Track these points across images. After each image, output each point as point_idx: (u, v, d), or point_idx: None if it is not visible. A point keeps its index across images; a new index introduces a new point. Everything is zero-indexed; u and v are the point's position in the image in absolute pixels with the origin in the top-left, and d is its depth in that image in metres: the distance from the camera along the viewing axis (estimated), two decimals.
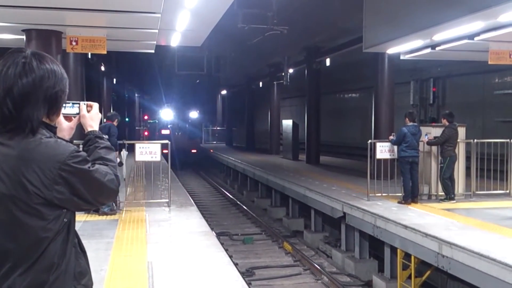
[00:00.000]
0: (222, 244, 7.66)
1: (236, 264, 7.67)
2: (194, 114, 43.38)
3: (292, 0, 15.44)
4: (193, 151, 32.41)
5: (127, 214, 9.10)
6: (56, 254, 1.77)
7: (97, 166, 1.84)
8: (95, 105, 2.12)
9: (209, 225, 8.53)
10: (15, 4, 6.88)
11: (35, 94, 1.78)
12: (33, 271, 1.72)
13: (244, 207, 16.47)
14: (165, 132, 33.97)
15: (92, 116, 2.08)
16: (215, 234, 7.71)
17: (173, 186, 10.60)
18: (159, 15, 7.33)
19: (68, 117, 2.07)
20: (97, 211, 8.73)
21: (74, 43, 8.27)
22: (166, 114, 43.19)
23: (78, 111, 2.07)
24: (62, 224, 1.78)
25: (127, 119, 36.58)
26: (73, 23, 7.95)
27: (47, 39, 8.22)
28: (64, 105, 2.00)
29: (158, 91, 39.73)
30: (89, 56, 16.38)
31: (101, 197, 1.90)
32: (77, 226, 1.91)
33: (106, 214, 8.81)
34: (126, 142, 10.20)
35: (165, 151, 17.79)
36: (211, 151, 30.19)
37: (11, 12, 7.25)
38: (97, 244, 6.74)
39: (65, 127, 2.05)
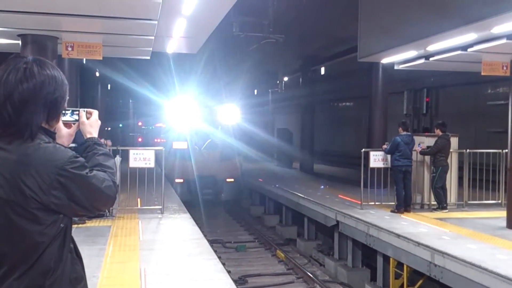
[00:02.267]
0: (215, 251, 7.64)
1: (228, 272, 7.65)
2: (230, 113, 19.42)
3: (289, 9, 15.55)
4: (229, 180, 17.22)
5: (120, 220, 9.06)
6: (53, 259, 1.77)
7: (95, 172, 1.85)
8: (95, 112, 2.14)
9: (202, 232, 8.51)
10: (11, 9, 6.88)
11: (35, 100, 1.80)
12: (30, 275, 1.73)
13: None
14: (179, 145, 17.03)
15: (91, 123, 2.09)
16: (208, 241, 7.69)
17: (166, 193, 10.57)
18: (156, 22, 7.35)
19: (67, 124, 2.08)
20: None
21: (69, 49, 8.27)
22: (180, 110, 19.77)
23: (77, 118, 2.09)
24: (59, 229, 1.79)
25: (121, 125, 36.48)
26: (69, 28, 7.95)
27: (42, 44, 8.21)
28: (63, 112, 2.01)
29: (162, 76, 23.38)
30: (84, 62, 16.37)
31: (99, 203, 1.90)
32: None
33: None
34: (120, 148, 10.18)
35: (178, 180, 16.12)
36: None
37: (6, 17, 7.24)
38: (89, 251, 6.71)
39: (64, 133, 2.06)
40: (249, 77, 25.39)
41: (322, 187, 14.56)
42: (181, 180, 16.14)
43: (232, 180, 17.26)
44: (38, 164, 1.74)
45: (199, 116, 17.40)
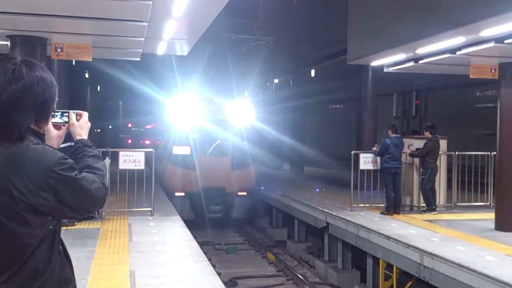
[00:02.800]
0: (205, 253, 7.63)
1: (219, 274, 7.64)
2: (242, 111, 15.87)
3: (279, 11, 15.59)
4: (240, 193, 14.15)
5: (109, 222, 9.01)
6: (41, 261, 1.76)
7: (84, 174, 1.84)
8: (85, 114, 2.13)
9: (192, 234, 8.49)
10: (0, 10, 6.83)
11: (24, 101, 1.79)
12: (18, 278, 1.72)
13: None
14: (180, 150, 13.91)
15: (81, 125, 2.09)
16: (198, 243, 7.68)
17: (156, 195, 10.54)
18: (146, 24, 7.32)
19: (57, 126, 2.08)
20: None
21: (59, 50, 8.21)
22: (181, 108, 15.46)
23: (67, 120, 2.08)
24: (48, 231, 1.78)
25: (110, 127, 36.28)
26: (58, 29, 7.90)
27: (32, 45, 8.15)
28: (53, 113, 2.01)
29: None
30: (73, 63, 16.29)
31: (88, 205, 1.90)
32: None
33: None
34: (110, 150, 10.13)
35: (179, 194, 13.29)
36: None
37: None
38: (78, 253, 6.67)
39: (53, 135, 2.06)
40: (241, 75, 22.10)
41: (318, 190, 14.16)
42: (182, 194, 13.34)
43: (245, 193, 13.85)
44: (27, 166, 1.73)
45: (204, 115, 14.26)
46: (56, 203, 1.76)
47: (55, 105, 1.93)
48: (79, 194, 1.81)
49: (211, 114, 14.44)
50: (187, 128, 13.96)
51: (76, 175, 1.80)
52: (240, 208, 13.89)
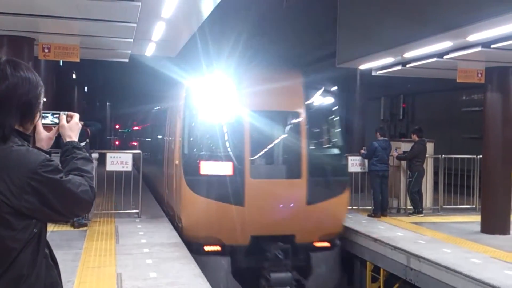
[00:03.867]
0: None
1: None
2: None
3: (270, 12, 15.61)
4: (321, 244, 8.21)
5: (96, 224, 8.94)
6: (26, 265, 1.73)
7: (70, 176, 1.81)
8: (76, 116, 2.10)
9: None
10: None
11: (8, 101, 1.76)
12: (2, 282, 1.69)
13: None
14: (214, 170, 7.75)
15: (71, 127, 2.06)
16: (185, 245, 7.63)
17: (143, 197, 10.48)
18: (135, 25, 7.29)
19: (48, 127, 2.05)
20: (72, 224, 8.55)
21: (46, 50, 8.14)
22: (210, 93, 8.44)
23: (57, 121, 2.06)
24: (32, 235, 1.75)
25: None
26: (46, 30, 7.84)
27: (18, 45, 8.07)
28: (44, 115, 1.99)
29: None
30: (61, 64, 16.16)
31: (75, 209, 1.87)
32: None
33: (82, 225, 8.62)
34: (97, 151, 10.05)
35: (211, 248, 7.61)
36: None
37: None
38: (64, 255, 6.60)
39: (43, 137, 2.03)
40: None
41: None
42: (218, 248, 7.79)
43: (328, 245, 8.26)
44: (10, 168, 1.70)
45: (251, 101, 8.06)
46: (39, 206, 1.72)
47: (40, 106, 1.91)
48: (64, 197, 1.77)
49: (268, 99, 8.22)
50: (224, 125, 8.14)
51: (61, 177, 1.77)
52: (320, 273, 8.09)
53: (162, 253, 7.07)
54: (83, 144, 8.05)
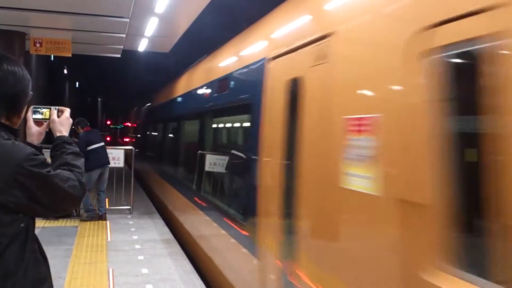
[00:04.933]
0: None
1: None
2: None
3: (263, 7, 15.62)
4: None
5: (87, 220, 8.90)
6: (13, 261, 1.70)
7: (58, 171, 1.78)
8: (66, 110, 2.08)
9: (172, 232, 8.44)
10: None
11: None
12: None
13: None
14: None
15: (61, 121, 2.04)
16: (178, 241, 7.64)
17: (135, 193, 10.45)
18: (128, 20, 7.27)
19: (39, 122, 2.03)
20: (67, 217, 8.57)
21: (38, 45, 8.10)
22: None
23: (48, 116, 2.05)
24: (19, 230, 1.72)
25: (88, 124, 35.85)
26: (37, 24, 7.79)
27: (10, 39, 8.02)
28: (34, 109, 1.97)
29: None
30: (52, 59, 16.08)
31: (63, 204, 1.83)
32: (35, 232, 1.86)
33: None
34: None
35: None
36: None
37: None
38: (56, 251, 6.57)
39: (34, 132, 2.01)
40: None
41: None
42: None
43: None
44: None
45: None
46: (26, 201, 1.69)
47: (27, 100, 1.88)
48: (51, 192, 1.74)
49: None
50: None
51: (48, 172, 1.74)
52: None
53: (154, 249, 7.06)
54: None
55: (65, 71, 21.68)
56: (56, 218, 8.52)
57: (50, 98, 16.31)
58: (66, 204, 1.85)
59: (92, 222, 8.76)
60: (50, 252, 6.95)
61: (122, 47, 9.81)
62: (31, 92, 1.89)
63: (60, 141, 1.97)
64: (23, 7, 6.88)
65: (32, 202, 1.71)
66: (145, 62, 25.48)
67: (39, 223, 8.07)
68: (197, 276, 5.91)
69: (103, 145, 8.90)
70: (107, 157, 8.91)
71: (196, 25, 8.61)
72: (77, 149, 2.00)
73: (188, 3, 7.18)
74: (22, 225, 1.72)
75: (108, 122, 52.44)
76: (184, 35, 9.51)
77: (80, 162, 1.93)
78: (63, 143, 1.97)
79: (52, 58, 16.91)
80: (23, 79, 1.83)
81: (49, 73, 16.45)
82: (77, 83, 28.91)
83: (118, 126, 43.20)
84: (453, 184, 1.96)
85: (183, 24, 8.44)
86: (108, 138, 40.11)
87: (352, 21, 2.81)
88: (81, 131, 8.77)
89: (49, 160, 1.88)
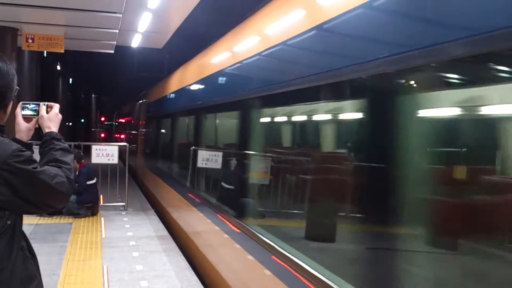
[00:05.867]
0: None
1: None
2: None
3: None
4: None
5: (81, 217, 8.87)
6: (0, 258, 1.69)
7: (45, 167, 1.76)
8: (56, 106, 2.05)
9: (167, 229, 8.42)
10: None
11: None
12: None
13: None
14: None
15: (50, 117, 2.01)
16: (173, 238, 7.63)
17: (130, 189, 10.41)
18: (120, 15, 7.22)
19: (28, 118, 2.01)
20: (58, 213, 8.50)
21: (30, 41, 8.03)
22: None
23: (37, 112, 2.02)
24: (6, 227, 1.70)
25: (83, 120, 35.76)
26: (29, 20, 7.72)
27: (1, 35, 7.95)
28: (23, 105, 1.94)
29: None
30: (45, 55, 15.97)
31: (50, 200, 1.80)
32: (29, 230, 1.84)
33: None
34: (82, 143, 9.96)
35: None
36: None
37: None
38: (50, 248, 6.53)
39: (23, 128, 1.98)
40: None
41: None
42: None
43: None
44: None
45: None
46: (13, 198, 1.67)
47: (13, 95, 1.85)
48: (37, 189, 1.72)
49: None
50: None
51: (34, 168, 1.71)
52: None
53: (148, 246, 7.04)
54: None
55: (58, 67, 21.54)
56: (49, 215, 8.49)
57: (43, 95, 16.21)
58: (53, 201, 1.82)
59: (87, 219, 8.73)
60: (44, 249, 6.90)
61: (115, 42, 9.75)
62: (17, 87, 1.86)
63: (49, 137, 1.95)
64: (15, 2, 6.81)
65: (18, 198, 1.69)
66: (140, 58, 25.41)
67: (33, 220, 8.03)
68: (193, 273, 5.89)
69: (96, 181, 9.16)
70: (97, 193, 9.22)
71: (189, 21, 8.60)
72: (66, 145, 1.97)
73: None
74: (8, 222, 1.70)
75: (103, 119, 52.29)
76: (178, 31, 9.46)
77: (69, 158, 1.91)
78: (52, 139, 1.94)
79: (45, 54, 16.81)
80: (8, 74, 1.80)
81: (42, 69, 16.35)
82: (70, 80, 28.75)
83: (113, 122, 43.08)
84: None
85: (176, 19, 8.40)
86: (102, 135, 39.96)
87: None
88: (77, 165, 8.67)
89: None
